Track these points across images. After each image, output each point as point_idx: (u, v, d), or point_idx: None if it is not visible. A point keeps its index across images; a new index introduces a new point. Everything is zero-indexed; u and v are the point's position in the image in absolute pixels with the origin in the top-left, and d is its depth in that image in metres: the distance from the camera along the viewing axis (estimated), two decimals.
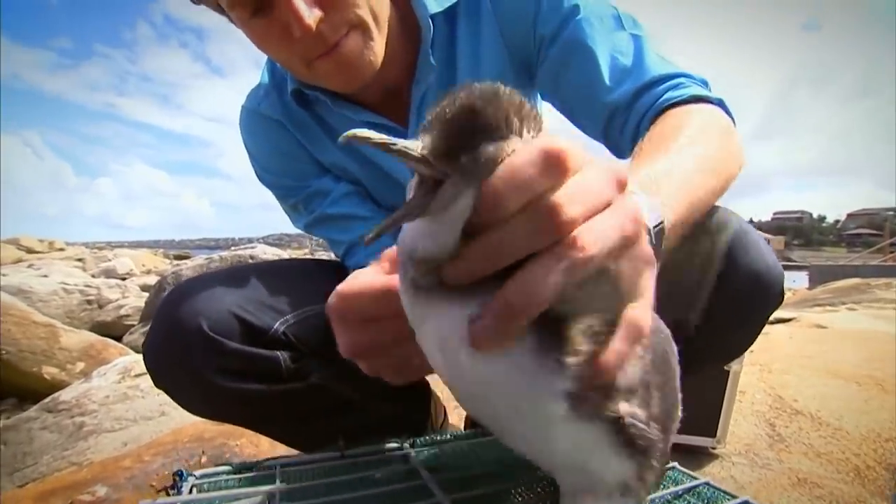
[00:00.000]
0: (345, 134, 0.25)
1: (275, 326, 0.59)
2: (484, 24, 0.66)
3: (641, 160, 0.45)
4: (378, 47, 0.60)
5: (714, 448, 1.08)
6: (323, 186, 0.74)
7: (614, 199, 0.27)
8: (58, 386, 2.13)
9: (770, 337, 2.23)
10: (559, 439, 0.27)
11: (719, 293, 0.52)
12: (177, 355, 0.56)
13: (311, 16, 0.54)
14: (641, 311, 0.28)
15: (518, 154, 0.25)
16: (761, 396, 1.40)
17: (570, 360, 0.25)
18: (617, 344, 0.26)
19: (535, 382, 0.25)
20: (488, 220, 0.25)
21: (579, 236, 0.24)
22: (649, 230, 0.35)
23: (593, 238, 0.25)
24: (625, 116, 0.60)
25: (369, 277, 0.38)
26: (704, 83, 0.60)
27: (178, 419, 1.77)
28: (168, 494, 0.32)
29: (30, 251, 8.00)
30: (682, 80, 0.59)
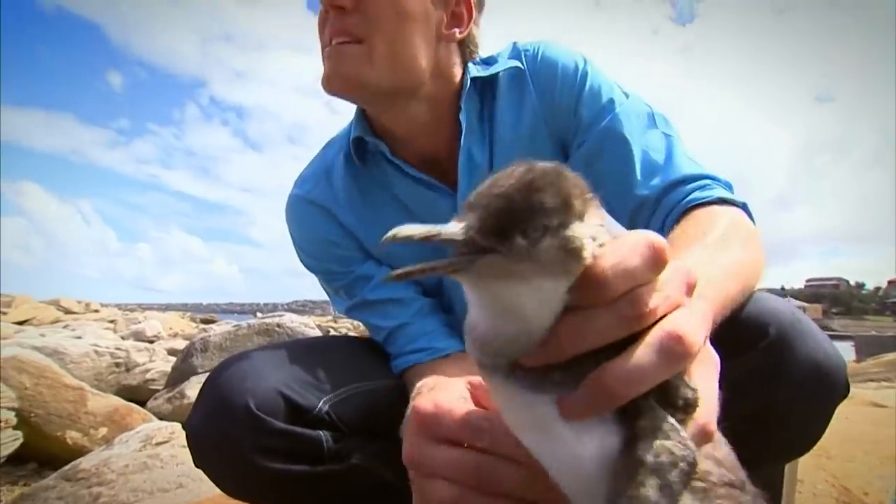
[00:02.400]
0: (386, 236, 0.26)
1: (318, 405, 0.59)
2: (525, 99, 0.72)
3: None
4: (373, 74, 0.64)
5: None
6: (365, 272, 0.75)
7: (684, 301, 0.28)
8: (78, 452, 2.11)
9: None
10: None
11: (780, 386, 0.49)
12: (222, 433, 0.56)
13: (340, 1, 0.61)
14: (709, 415, 0.28)
15: (623, 243, 0.27)
16: (823, 487, 1.27)
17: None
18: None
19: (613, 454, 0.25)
20: (586, 303, 0.26)
21: (681, 332, 0.26)
22: None
23: (691, 331, 0.26)
24: (652, 209, 0.63)
25: (458, 396, 0.38)
26: (729, 186, 0.63)
27: (196, 491, 1.70)
28: None
29: (67, 312, 8.31)
30: (708, 181, 0.62)
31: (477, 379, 0.40)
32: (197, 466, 0.59)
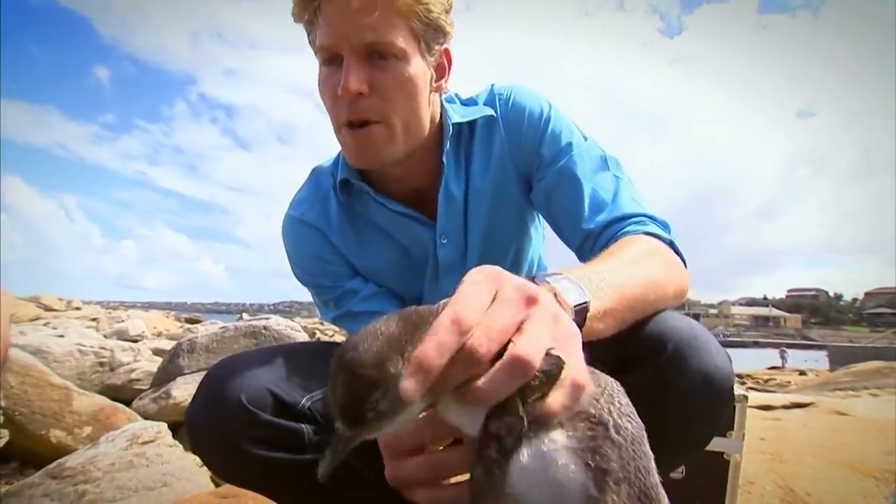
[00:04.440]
0: (320, 475, 0.36)
1: (301, 402, 0.67)
2: (496, 141, 0.81)
3: (586, 265, 0.56)
4: (396, 149, 0.73)
5: None
6: (353, 286, 0.84)
7: (529, 315, 0.36)
8: (62, 450, 2.12)
9: (783, 423, 2.17)
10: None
11: (674, 394, 0.57)
12: (216, 423, 0.63)
13: (356, 86, 0.66)
14: (577, 371, 0.36)
15: (428, 334, 0.34)
16: (772, 488, 1.36)
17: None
18: (561, 397, 0.35)
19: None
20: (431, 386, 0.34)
21: (522, 354, 0.33)
22: (571, 309, 0.44)
23: (529, 351, 0.34)
24: (595, 241, 0.73)
25: None
26: (665, 225, 0.72)
27: (180, 490, 1.74)
28: None
29: (48, 309, 8.15)
30: (644, 219, 0.71)
31: None
32: (194, 452, 0.66)
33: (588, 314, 0.46)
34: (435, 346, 0.33)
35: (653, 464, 0.37)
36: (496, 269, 0.39)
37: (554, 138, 0.77)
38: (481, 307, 0.35)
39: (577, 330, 0.39)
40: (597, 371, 0.39)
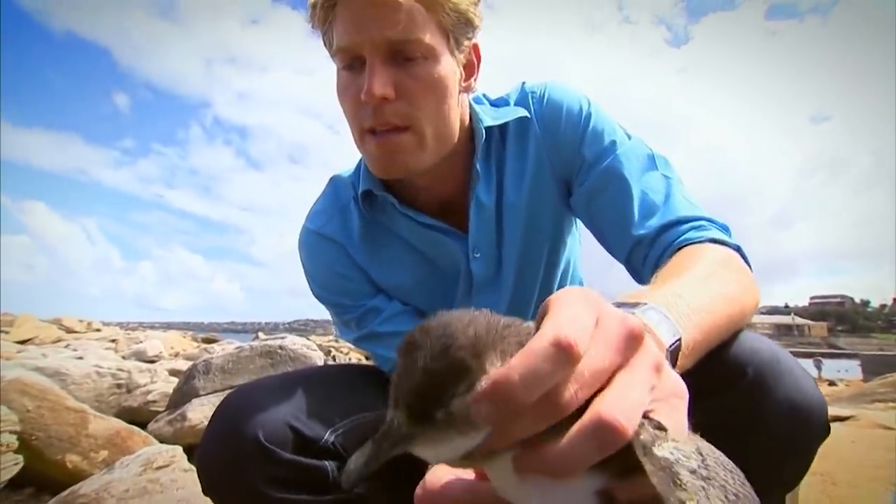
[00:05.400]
0: (343, 479, 0.28)
1: (325, 436, 0.61)
2: (530, 143, 0.74)
3: (657, 286, 0.47)
4: (425, 157, 0.67)
5: None
6: (376, 305, 0.77)
7: (628, 361, 0.28)
8: (78, 476, 2.09)
9: (827, 440, 2.03)
10: None
11: (756, 428, 0.49)
12: (231, 462, 0.57)
13: (381, 90, 0.60)
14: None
15: (528, 351, 0.25)
16: None
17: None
18: (656, 483, 0.26)
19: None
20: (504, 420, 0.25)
21: (611, 418, 0.24)
22: (667, 349, 0.36)
23: (622, 414, 0.25)
24: (648, 249, 0.65)
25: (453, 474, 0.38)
26: (725, 228, 0.64)
27: None
28: None
29: (69, 331, 8.29)
30: (704, 223, 0.63)
31: None
32: (206, 494, 0.60)
33: (680, 352, 0.38)
34: (525, 372, 0.24)
35: None
36: (588, 291, 0.30)
37: (596, 137, 0.70)
38: (589, 334, 0.26)
39: (684, 386, 0.30)
40: (698, 438, 0.29)
